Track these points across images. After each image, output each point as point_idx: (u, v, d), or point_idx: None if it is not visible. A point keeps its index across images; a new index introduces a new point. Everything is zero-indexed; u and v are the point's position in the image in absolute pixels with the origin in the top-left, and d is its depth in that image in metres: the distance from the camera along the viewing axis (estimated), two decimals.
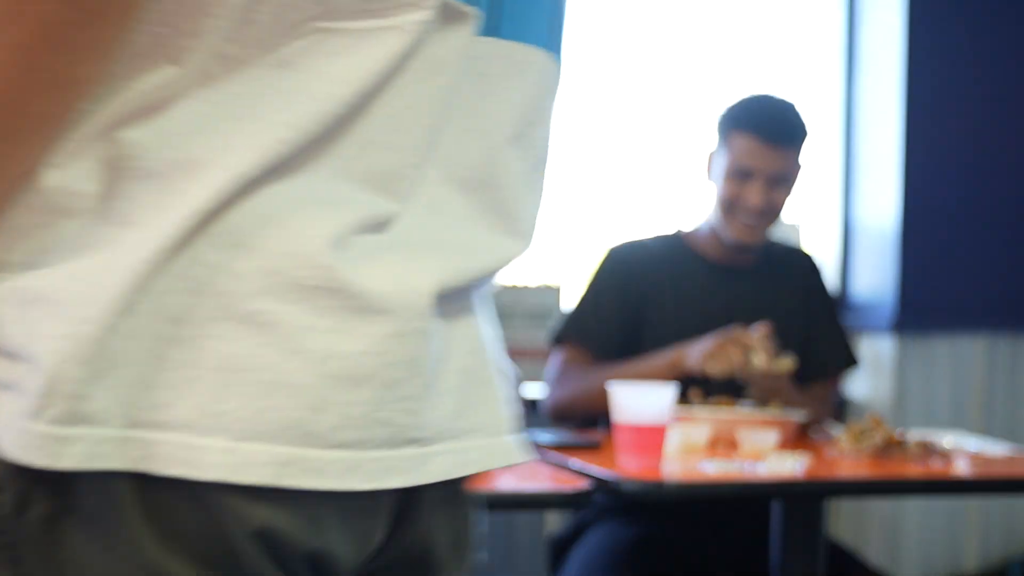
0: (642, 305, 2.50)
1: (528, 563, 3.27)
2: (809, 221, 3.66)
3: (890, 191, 3.54)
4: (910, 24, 3.52)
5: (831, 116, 3.73)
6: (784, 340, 2.39)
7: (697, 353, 2.25)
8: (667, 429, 1.78)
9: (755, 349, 2.22)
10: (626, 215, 3.51)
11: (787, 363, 2.25)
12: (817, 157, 3.75)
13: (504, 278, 0.83)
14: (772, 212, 2.46)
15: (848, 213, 3.70)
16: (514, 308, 3.26)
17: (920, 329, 3.53)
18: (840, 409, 3.60)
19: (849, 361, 2.63)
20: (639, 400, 1.76)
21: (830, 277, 3.70)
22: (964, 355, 3.59)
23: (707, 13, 3.65)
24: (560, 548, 2.46)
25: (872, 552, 3.51)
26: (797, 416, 2.21)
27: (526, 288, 3.27)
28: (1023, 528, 3.66)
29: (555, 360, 2.48)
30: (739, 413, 2.20)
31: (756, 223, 2.45)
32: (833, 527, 3.53)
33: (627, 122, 3.52)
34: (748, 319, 2.47)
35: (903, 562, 3.53)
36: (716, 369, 2.22)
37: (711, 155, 2.51)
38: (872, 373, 3.56)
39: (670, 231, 2.64)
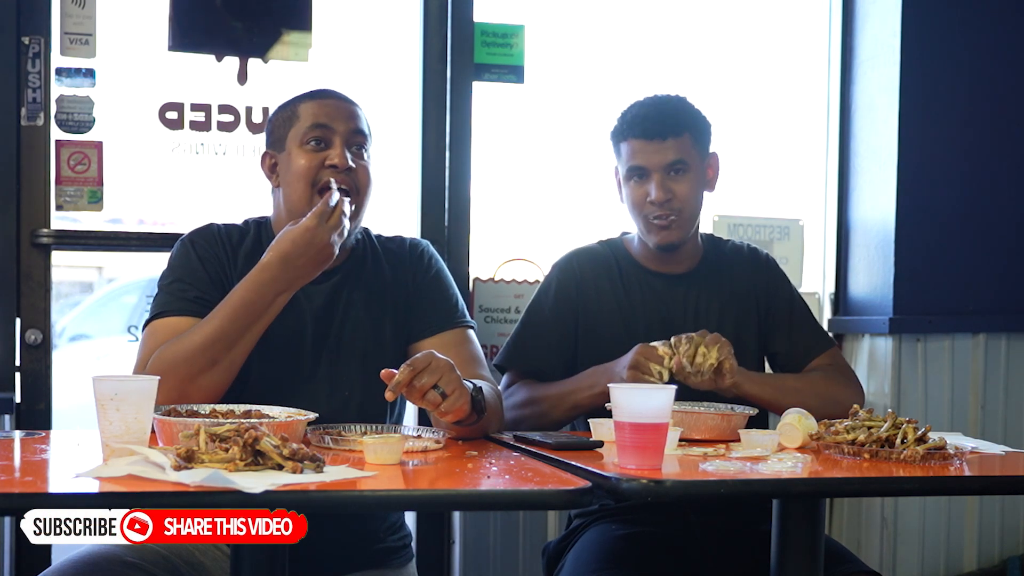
0: (583, 318, 2.53)
1: (528, 563, 3.27)
2: (807, 221, 3.67)
3: (887, 192, 3.55)
4: (906, 25, 3.52)
5: (828, 117, 3.74)
6: (734, 340, 2.39)
7: (618, 380, 2.27)
8: (667, 428, 1.78)
9: (664, 362, 2.25)
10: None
11: (712, 355, 2.27)
12: (814, 158, 3.76)
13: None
14: (679, 202, 2.45)
15: (845, 214, 3.70)
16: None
17: (917, 329, 3.54)
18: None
19: (825, 345, 2.62)
20: (639, 399, 1.76)
21: (828, 278, 3.72)
22: (961, 355, 3.59)
23: (703, 12, 3.65)
24: (554, 556, 2.47)
25: (872, 552, 3.52)
26: (745, 411, 2.21)
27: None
28: (1021, 527, 3.67)
29: (503, 383, 2.54)
30: (683, 407, 2.21)
31: (666, 218, 2.46)
32: (833, 527, 3.54)
33: None
34: (687, 324, 2.48)
35: (902, 562, 3.54)
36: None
37: (616, 173, 2.54)
38: (869, 373, 3.57)
39: (615, 235, 2.66)
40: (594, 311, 2.52)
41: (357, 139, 2.25)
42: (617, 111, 2.54)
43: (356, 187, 2.23)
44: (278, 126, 2.28)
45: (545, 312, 2.55)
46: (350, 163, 2.21)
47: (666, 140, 2.43)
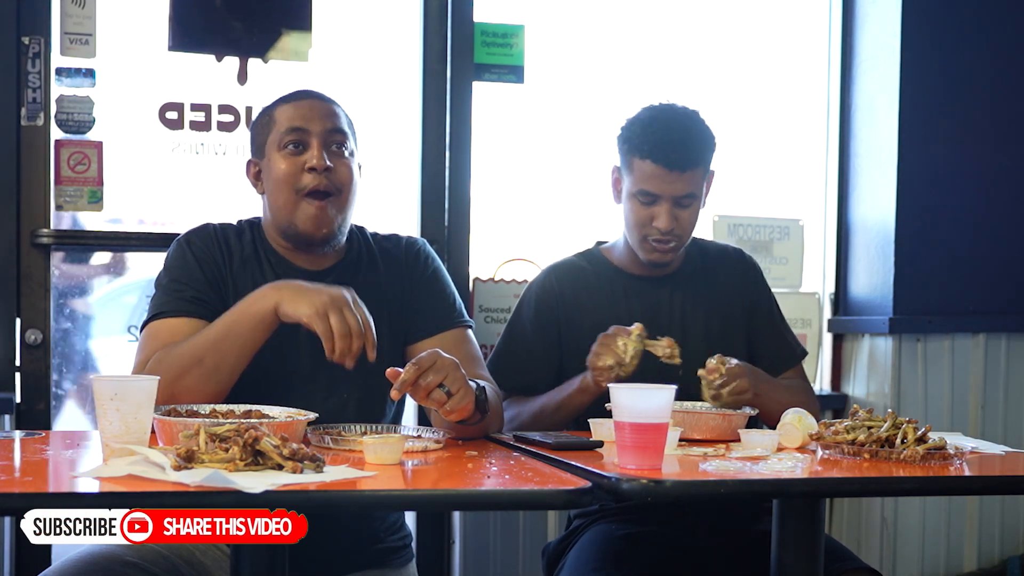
0: (565, 332, 2.52)
1: (528, 563, 3.27)
2: (807, 221, 3.67)
3: (887, 192, 3.55)
4: (906, 25, 3.52)
5: (828, 117, 3.74)
6: (721, 341, 2.39)
7: (589, 370, 2.28)
8: (667, 428, 1.78)
9: (632, 335, 2.25)
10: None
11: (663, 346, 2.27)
12: (814, 158, 3.76)
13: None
14: (682, 231, 2.46)
15: (845, 214, 3.70)
16: None
17: (917, 329, 3.54)
18: (839, 409, 3.61)
19: (799, 355, 2.63)
20: (639, 399, 1.76)
21: (828, 278, 3.73)
22: (961, 355, 3.59)
23: (704, 12, 3.65)
24: (554, 556, 2.47)
25: (872, 552, 3.52)
26: (745, 412, 2.21)
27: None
28: (1021, 527, 3.67)
29: None
30: (683, 407, 2.21)
31: (666, 243, 2.45)
32: (833, 527, 3.54)
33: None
34: (675, 326, 2.48)
35: (902, 562, 3.54)
36: (605, 369, 2.24)
37: (615, 172, 2.52)
38: (869, 373, 3.57)
39: (590, 245, 2.65)
40: (576, 323, 2.51)
41: (335, 138, 2.23)
42: (630, 111, 2.49)
43: (338, 185, 2.21)
44: (258, 133, 2.28)
45: (527, 328, 2.54)
46: (327, 163, 2.19)
47: (684, 172, 2.40)
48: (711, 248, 2.65)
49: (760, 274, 2.65)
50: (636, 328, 2.27)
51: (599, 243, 2.67)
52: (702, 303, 2.55)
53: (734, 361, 2.27)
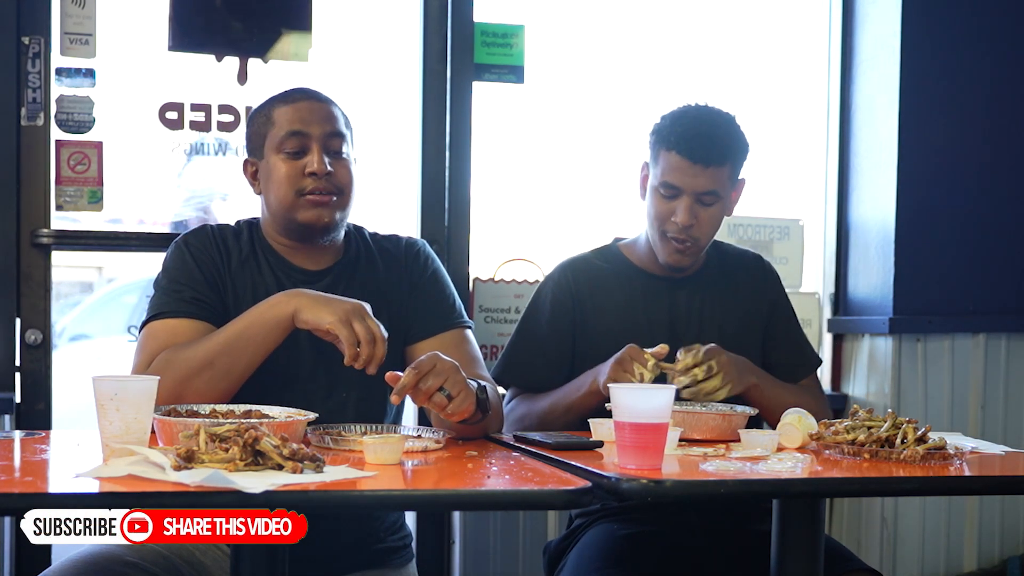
0: (580, 329, 2.51)
1: (528, 563, 3.27)
2: (807, 221, 3.67)
3: (887, 192, 3.55)
4: (906, 25, 3.53)
5: (828, 117, 3.74)
6: (737, 345, 2.39)
7: (602, 378, 2.27)
8: (667, 428, 1.78)
9: (648, 364, 2.22)
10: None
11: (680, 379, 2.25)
12: (814, 158, 3.76)
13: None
14: (699, 230, 2.44)
15: (845, 214, 3.70)
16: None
17: (917, 329, 3.54)
18: (839, 409, 3.61)
19: (814, 364, 2.63)
20: (639, 399, 1.76)
21: (828, 278, 3.73)
22: (961, 355, 3.59)
23: (704, 12, 3.65)
24: (556, 555, 2.47)
25: (872, 552, 3.52)
26: (746, 411, 2.21)
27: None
28: (1021, 527, 3.67)
29: (506, 398, 2.53)
30: (683, 407, 2.21)
31: (684, 242, 2.44)
32: (833, 527, 3.54)
33: (627, 125, 3.52)
34: (692, 328, 2.47)
35: (902, 562, 3.54)
36: None
37: (644, 168, 2.52)
38: (869, 373, 3.57)
39: (608, 242, 2.65)
40: (592, 321, 2.50)
41: (334, 142, 2.23)
42: (665, 108, 2.49)
43: (339, 187, 2.22)
44: (255, 132, 2.28)
45: (542, 324, 2.53)
46: (328, 168, 2.20)
47: (708, 167, 2.40)
48: (730, 251, 2.65)
49: (779, 280, 2.64)
50: (652, 359, 2.24)
51: (617, 239, 2.66)
52: (719, 306, 2.54)
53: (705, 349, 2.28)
